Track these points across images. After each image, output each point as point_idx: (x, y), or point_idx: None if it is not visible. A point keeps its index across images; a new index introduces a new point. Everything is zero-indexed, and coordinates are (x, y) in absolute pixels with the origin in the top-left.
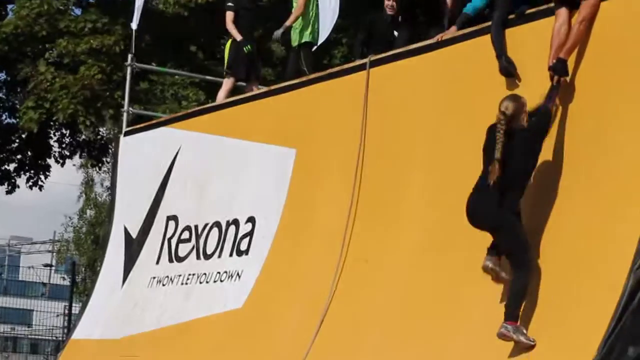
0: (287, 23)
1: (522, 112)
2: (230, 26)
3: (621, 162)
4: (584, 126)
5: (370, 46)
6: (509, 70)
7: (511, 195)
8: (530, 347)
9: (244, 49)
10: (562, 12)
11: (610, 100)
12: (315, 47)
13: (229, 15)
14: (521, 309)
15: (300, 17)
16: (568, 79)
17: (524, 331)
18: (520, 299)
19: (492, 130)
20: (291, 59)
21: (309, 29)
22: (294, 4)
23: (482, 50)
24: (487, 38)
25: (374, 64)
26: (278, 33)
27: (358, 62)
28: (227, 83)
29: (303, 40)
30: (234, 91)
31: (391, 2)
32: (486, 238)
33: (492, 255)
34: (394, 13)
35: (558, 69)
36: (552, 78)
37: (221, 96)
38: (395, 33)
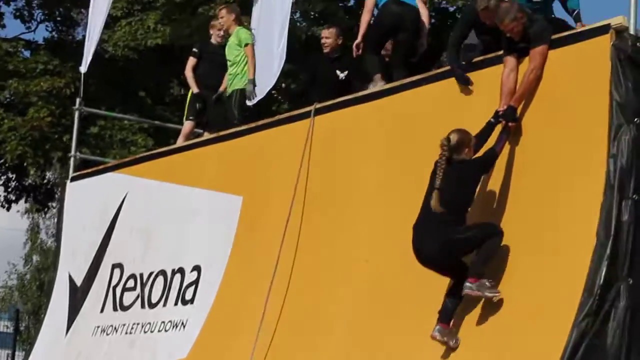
0: (250, 76)
1: (466, 144)
2: (188, 74)
3: (572, 201)
4: (530, 167)
5: (314, 89)
6: (464, 79)
7: (450, 225)
8: (495, 298)
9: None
10: (510, 59)
11: (557, 141)
12: (264, 94)
13: (190, 62)
14: (485, 268)
15: (236, 64)
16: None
17: (488, 284)
18: (486, 257)
19: (438, 162)
20: (227, 104)
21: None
22: (236, 55)
23: (427, 97)
24: (432, 86)
25: (319, 111)
26: (250, 89)
27: (303, 109)
28: (186, 126)
29: (239, 87)
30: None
31: (324, 40)
32: (437, 281)
33: (442, 322)
34: (328, 51)
35: (508, 115)
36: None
37: (180, 140)
38: (338, 72)
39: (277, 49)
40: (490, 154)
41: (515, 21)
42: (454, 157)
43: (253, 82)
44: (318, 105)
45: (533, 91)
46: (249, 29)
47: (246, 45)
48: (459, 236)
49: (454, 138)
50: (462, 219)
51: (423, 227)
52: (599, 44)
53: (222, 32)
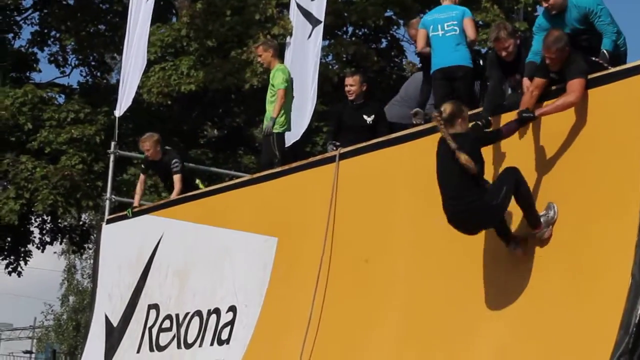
0: (274, 115)
1: (458, 116)
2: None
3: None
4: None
5: (342, 135)
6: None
7: (478, 195)
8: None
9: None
10: (539, 80)
11: (591, 181)
12: (299, 137)
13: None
14: (535, 210)
15: (272, 104)
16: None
17: (545, 217)
18: (529, 204)
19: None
20: (264, 145)
21: (284, 117)
22: (270, 96)
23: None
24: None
25: (344, 156)
26: (269, 127)
27: (328, 154)
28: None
29: (276, 131)
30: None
31: (348, 87)
32: (474, 322)
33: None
34: (354, 98)
35: (525, 118)
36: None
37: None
38: (365, 117)
39: (310, 91)
40: (495, 133)
41: (561, 51)
42: (449, 130)
43: (274, 120)
44: (342, 150)
45: (563, 121)
46: (287, 71)
47: (279, 89)
48: (494, 204)
49: (445, 110)
50: (483, 185)
51: (458, 206)
52: (632, 84)
53: (150, 151)
